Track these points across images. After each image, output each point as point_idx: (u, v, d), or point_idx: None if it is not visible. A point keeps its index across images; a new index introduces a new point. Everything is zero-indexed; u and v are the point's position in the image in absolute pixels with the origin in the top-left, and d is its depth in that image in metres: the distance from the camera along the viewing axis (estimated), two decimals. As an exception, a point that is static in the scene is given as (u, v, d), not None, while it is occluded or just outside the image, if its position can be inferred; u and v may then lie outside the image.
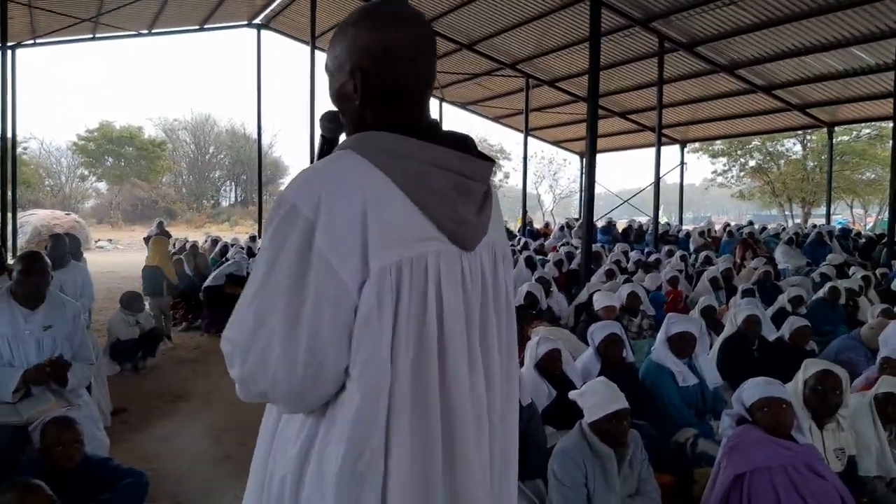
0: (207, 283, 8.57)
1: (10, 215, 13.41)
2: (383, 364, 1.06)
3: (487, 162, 1.19)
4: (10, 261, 5.96)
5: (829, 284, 6.88)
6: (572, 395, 3.15)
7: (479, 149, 1.21)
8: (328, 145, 1.32)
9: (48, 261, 3.60)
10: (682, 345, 4.16)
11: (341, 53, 1.18)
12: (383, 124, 1.13)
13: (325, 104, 1.32)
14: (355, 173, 1.07)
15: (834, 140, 17.79)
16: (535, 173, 39.99)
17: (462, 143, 1.17)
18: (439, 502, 1.11)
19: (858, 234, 15.80)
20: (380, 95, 1.16)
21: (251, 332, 1.07)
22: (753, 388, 2.96)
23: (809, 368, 3.29)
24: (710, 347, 5.08)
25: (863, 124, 22.67)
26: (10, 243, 13.16)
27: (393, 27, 1.13)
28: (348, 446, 1.06)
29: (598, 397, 2.99)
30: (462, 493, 1.12)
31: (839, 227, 16.14)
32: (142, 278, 8.54)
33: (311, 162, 1.26)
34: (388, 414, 1.07)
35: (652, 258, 10.28)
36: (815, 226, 15.97)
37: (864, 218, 32.61)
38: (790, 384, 3.28)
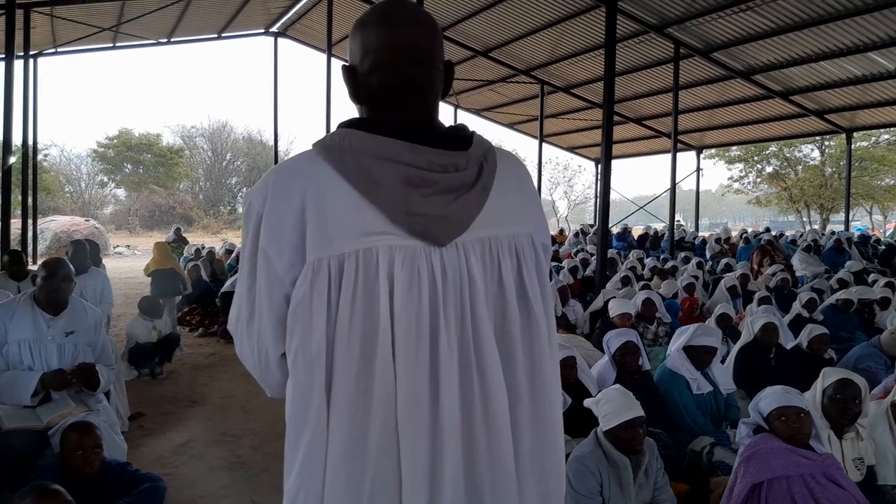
0: (225, 288, 8.65)
1: (30, 221, 13.59)
2: (314, 354, 1.07)
3: (455, 151, 1.11)
4: (31, 266, 6.05)
5: (842, 295, 6.76)
6: (587, 402, 3.14)
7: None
8: None
9: (71, 267, 3.65)
10: (704, 357, 4.14)
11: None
12: (372, 120, 1.16)
13: (342, 111, 1.35)
14: (305, 170, 1.10)
15: (852, 146, 17.58)
16: (550, 179, 39.96)
17: (448, 137, 1.15)
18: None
19: (878, 240, 15.60)
20: (364, 94, 1.19)
21: (235, 319, 1.19)
22: (771, 397, 2.93)
23: (828, 377, 3.26)
24: (727, 355, 5.05)
25: (882, 130, 22.46)
26: (30, 249, 13.33)
27: (378, 29, 1.15)
28: (288, 432, 1.12)
29: (613, 405, 2.97)
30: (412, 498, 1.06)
31: (858, 233, 15.96)
32: (154, 281, 8.45)
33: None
34: (327, 405, 1.08)
35: (668, 265, 10.22)
36: (833, 232, 15.79)
37: (884, 224, 32.21)
38: (808, 393, 3.25)
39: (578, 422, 3.75)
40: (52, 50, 16.84)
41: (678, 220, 15.35)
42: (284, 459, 1.15)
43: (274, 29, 19.52)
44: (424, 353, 1.09)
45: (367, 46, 1.16)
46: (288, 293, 1.09)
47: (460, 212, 1.11)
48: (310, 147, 1.15)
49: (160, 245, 9.54)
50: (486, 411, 1.11)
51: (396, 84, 1.15)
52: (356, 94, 1.20)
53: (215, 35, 19.34)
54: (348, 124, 1.15)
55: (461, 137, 1.16)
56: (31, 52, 13.28)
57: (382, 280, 1.07)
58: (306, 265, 1.07)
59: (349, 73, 1.19)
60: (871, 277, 8.79)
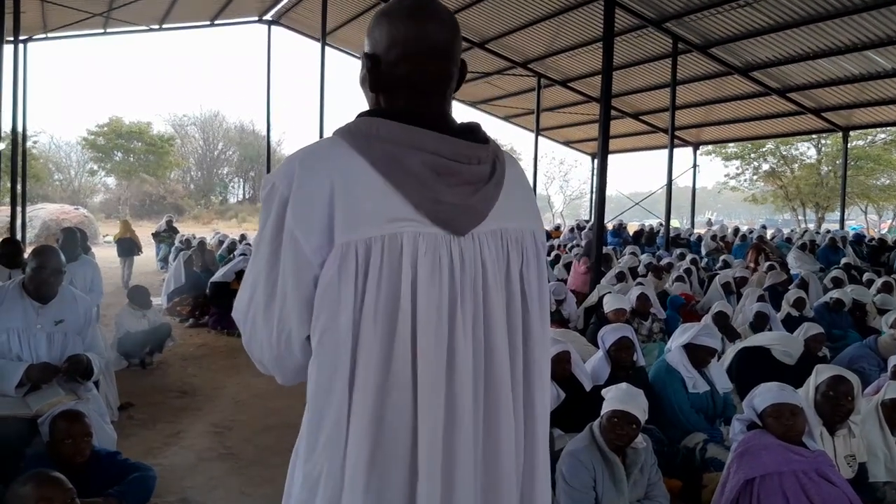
0: (215, 278, 8.60)
1: (19, 209, 13.48)
2: (341, 335, 1.09)
3: (478, 144, 1.18)
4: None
5: (835, 294, 6.78)
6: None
7: None
8: None
9: (63, 258, 3.61)
10: (703, 357, 4.15)
11: (366, 41, 1.25)
12: (390, 110, 1.19)
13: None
14: (331, 155, 1.12)
15: (849, 145, 17.62)
16: (546, 174, 40.00)
17: (465, 132, 1.20)
18: (400, 480, 1.11)
19: (872, 239, 15.62)
20: (387, 84, 1.21)
21: (247, 303, 1.17)
22: (765, 394, 2.93)
23: (821, 374, 3.27)
24: (723, 352, 5.04)
25: (878, 129, 22.51)
26: (18, 237, 13.22)
27: (408, 22, 1.18)
28: (310, 416, 1.13)
29: (614, 393, 3.03)
30: (427, 475, 1.11)
31: (853, 232, 16.01)
32: (117, 246, 12.49)
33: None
34: (350, 387, 1.10)
35: (664, 262, 10.22)
36: (828, 231, 15.84)
37: (879, 224, 32.34)
38: (802, 389, 3.25)
39: (571, 416, 3.75)
40: (43, 35, 16.68)
41: (710, 217, 15.54)
42: (300, 442, 1.17)
43: (268, 17, 19.38)
44: (442, 339, 1.13)
45: (395, 37, 1.18)
46: (316, 275, 1.10)
47: (480, 203, 1.17)
48: (332, 134, 1.17)
49: (123, 221, 13.86)
50: (490, 399, 1.19)
51: (421, 77, 1.19)
52: (376, 83, 1.22)
53: (208, 22, 19.17)
54: (371, 113, 1.18)
55: (478, 133, 1.22)
56: (21, 38, 13.12)
57: (406, 266, 1.11)
58: (335, 248, 1.08)
59: (373, 61, 1.21)
60: (866, 276, 8.79)
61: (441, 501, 1.12)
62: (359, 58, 1.32)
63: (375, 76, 1.21)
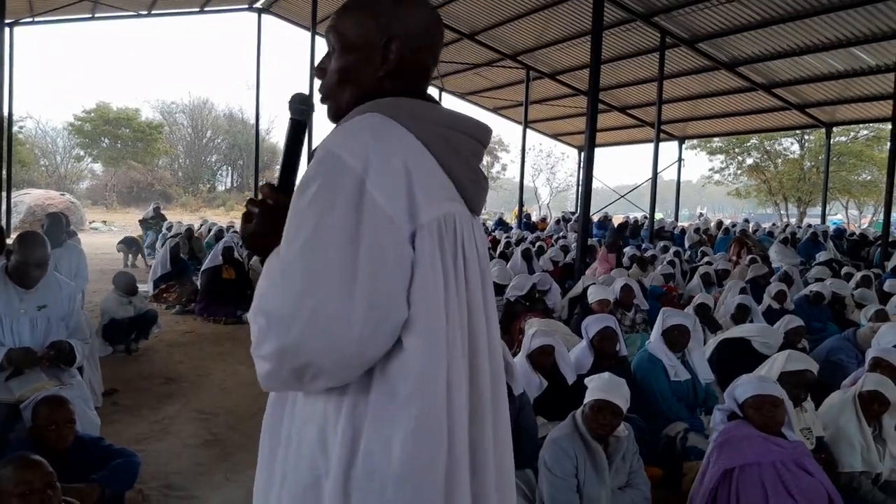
0: (206, 265, 8.55)
1: (4, 194, 13.33)
2: (441, 316, 1.09)
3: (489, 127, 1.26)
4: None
5: (815, 287, 6.86)
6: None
7: None
8: (298, 128, 1.27)
9: (48, 246, 3.58)
10: (677, 338, 4.19)
11: (369, 24, 1.20)
12: (403, 94, 1.19)
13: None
14: (394, 134, 1.11)
15: (831, 140, 17.80)
16: (533, 166, 40.00)
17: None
18: (480, 455, 1.17)
19: (853, 234, 15.80)
20: (406, 69, 1.21)
21: (300, 295, 1.01)
22: (747, 385, 2.97)
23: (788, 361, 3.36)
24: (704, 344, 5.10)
25: (860, 126, 22.75)
26: (3, 222, 13.07)
27: (428, 9, 1.24)
28: (420, 403, 1.06)
29: (596, 383, 3.06)
30: (480, 443, 1.17)
31: (834, 227, 16.19)
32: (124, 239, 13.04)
33: (307, 148, 1.27)
34: (447, 370, 1.09)
35: (648, 254, 10.29)
36: (809, 225, 16.00)
37: (859, 219, 32.71)
38: (765, 364, 3.34)
39: (554, 405, 3.80)
40: (30, 19, 16.41)
41: (702, 212, 15.67)
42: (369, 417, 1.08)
43: (257, 4, 19.18)
44: (481, 309, 1.20)
45: (426, 22, 1.22)
46: (411, 254, 1.07)
47: (486, 184, 1.26)
48: (371, 112, 1.14)
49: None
50: (493, 350, 1.25)
51: (433, 64, 1.26)
52: (394, 66, 1.20)
53: (197, 9, 18.95)
54: (399, 95, 1.19)
55: None
56: (7, 21, 12.91)
57: (458, 243, 1.14)
58: (423, 226, 1.07)
59: (398, 43, 1.19)
60: (845, 270, 8.91)
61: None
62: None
63: (397, 59, 1.19)
